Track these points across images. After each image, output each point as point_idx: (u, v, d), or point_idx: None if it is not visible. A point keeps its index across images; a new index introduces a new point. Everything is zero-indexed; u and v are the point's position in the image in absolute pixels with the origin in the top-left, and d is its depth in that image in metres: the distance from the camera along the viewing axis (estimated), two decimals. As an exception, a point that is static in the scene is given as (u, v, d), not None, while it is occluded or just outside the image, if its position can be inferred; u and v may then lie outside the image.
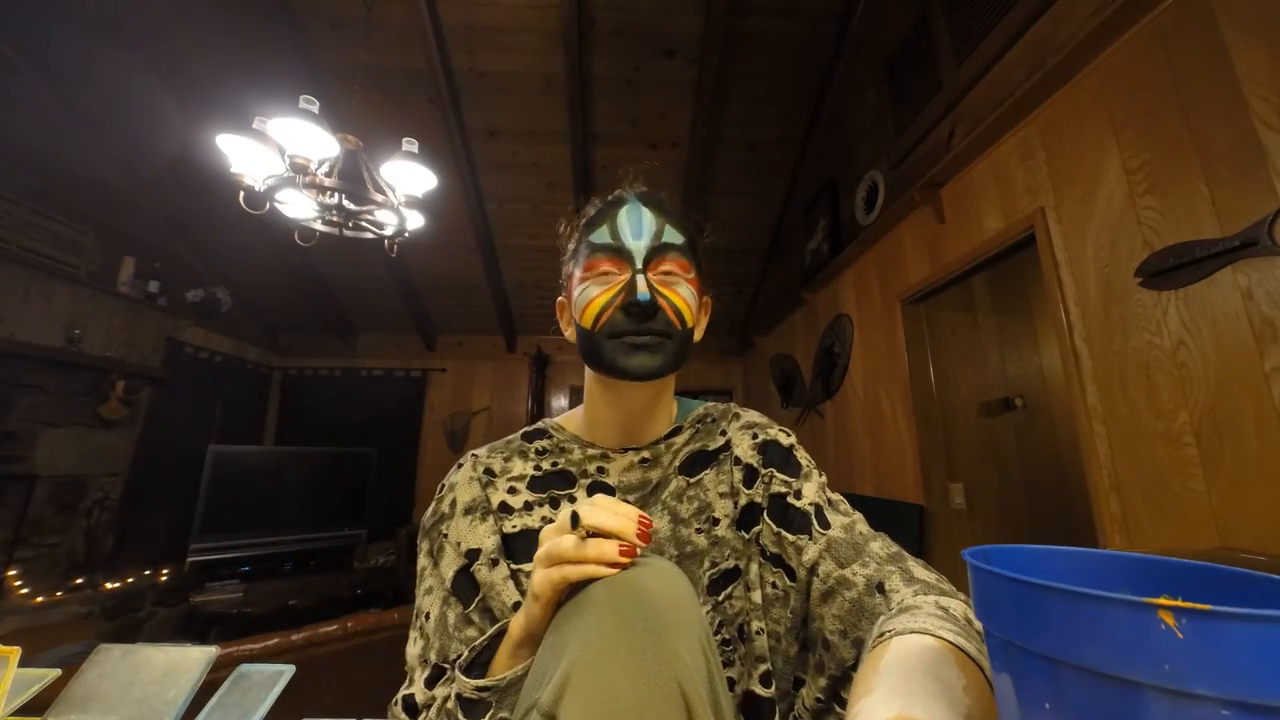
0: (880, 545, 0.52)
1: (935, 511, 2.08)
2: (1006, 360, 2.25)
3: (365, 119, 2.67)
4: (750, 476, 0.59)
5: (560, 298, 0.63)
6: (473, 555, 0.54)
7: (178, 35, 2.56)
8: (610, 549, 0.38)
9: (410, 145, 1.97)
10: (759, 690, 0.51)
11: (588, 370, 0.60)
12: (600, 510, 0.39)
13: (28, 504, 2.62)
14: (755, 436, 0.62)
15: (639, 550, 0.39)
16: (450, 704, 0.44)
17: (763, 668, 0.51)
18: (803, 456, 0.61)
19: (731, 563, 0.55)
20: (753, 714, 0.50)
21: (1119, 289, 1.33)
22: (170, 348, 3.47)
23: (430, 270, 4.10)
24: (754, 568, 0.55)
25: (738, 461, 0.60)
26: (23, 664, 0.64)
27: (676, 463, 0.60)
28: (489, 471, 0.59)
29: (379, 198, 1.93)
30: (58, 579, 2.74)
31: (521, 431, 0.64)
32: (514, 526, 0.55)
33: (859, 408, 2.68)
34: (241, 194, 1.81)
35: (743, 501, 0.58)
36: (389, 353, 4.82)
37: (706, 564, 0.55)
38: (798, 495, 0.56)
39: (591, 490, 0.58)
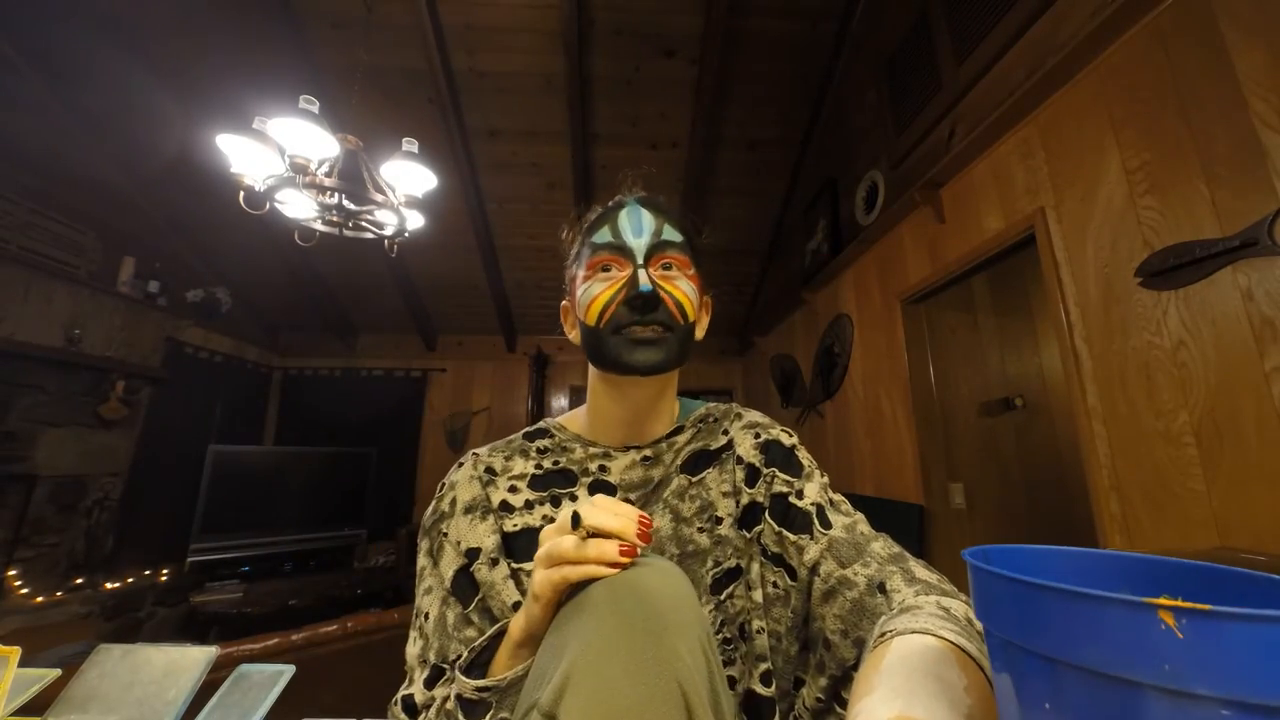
0: (881, 545, 0.52)
1: (935, 511, 2.08)
2: (1006, 360, 2.25)
3: (365, 119, 2.67)
4: (752, 476, 0.59)
5: (564, 302, 0.64)
6: (473, 554, 0.54)
7: (178, 35, 2.56)
8: (610, 549, 0.38)
9: (410, 145, 1.97)
10: (759, 689, 0.51)
11: (591, 369, 0.60)
12: (600, 510, 0.39)
13: (28, 504, 2.62)
14: (758, 436, 0.62)
15: (639, 550, 0.39)
16: (450, 704, 0.44)
17: (763, 667, 0.51)
18: (805, 457, 0.61)
19: (733, 562, 0.55)
20: (753, 713, 0.50)
21: (1119, 289, 1.33)
22: (170, 348, 3.47)
23: (430, 270, 4.10)
24: (755, 567, 0.55)
25: (740, 461, 0.60)
26: (23, 664, 0.64)
27: (678, 461, 0.60)
28: (490, 470, 0.59)
29: (379, 198, 1.93)
30: (58, 579, 2.74)
31: (523, 431, 0.64)
32: (515, 525, 0.55)
33: (859, 408, 2.68)
34: (241, 194, 1.81)
35: (744, 501, 0.58)
36: (389, 353, 4.82)
37: (709, 563, 0.55)
38: (799, 495, 0.57)
39: (593, 489, 0.58)
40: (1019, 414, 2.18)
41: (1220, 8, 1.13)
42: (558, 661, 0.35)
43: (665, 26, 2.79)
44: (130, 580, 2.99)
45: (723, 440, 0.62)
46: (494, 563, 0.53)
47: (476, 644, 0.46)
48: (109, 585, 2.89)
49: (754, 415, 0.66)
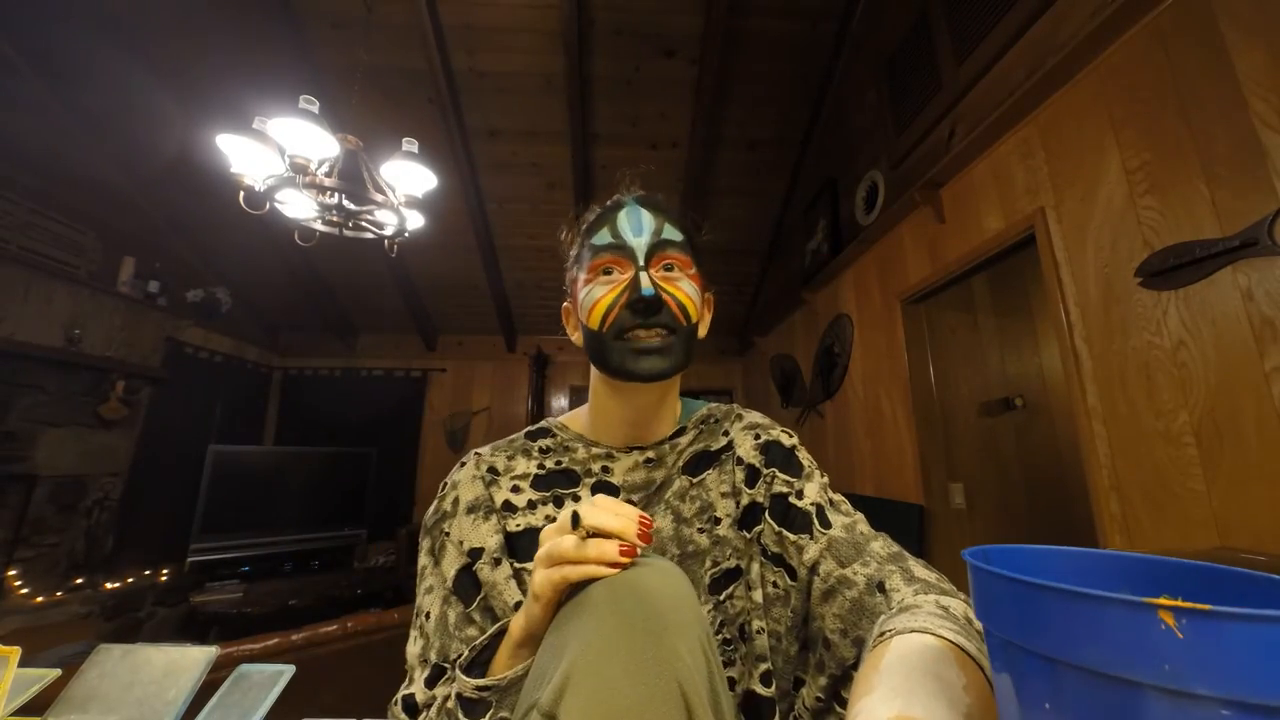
0: (881, 545, 0.52)
1: (935, 511, 2.08)
2: (1006, 360, 2.25)
3: (365, 119, 2.67)
4: (752, 476, 0.59)
5: (565, 303, 0.64)
6: (475, 554, 0.54)
7: (178, 35, 2.56)
8: (611, 549, 0.38)
9: (410, 145, 1.97)
10: (759, 689, 0.51)
11: (594, 370, 0.60)
12: (601, 510, 0.39)
13: (28, 504, 2.62)
14: (758, 437, 0.62)
15: (639, 550, 0.39)
16: (450, 703, 0.44)
17: (763, 667, 0.51)
18: (805, 457, 0.61)
19: (733, 562, 0.55)
20: (753, 713, 0.50)
21: (1119, 289, 1.33)
22: (170, 348, 3.47)
23: (430, 270, 4.10)
24: (755, 567, 0.55)
25: (740, 461, 0.60)
26: (23, 664, 0.64)
27: (680, 463, 0.60)
28: (492, 470, 0.59)
29: (379, 198, 1.93)
30: (58, 579, 2.74)
31: (525, 431, 0.64)
32: (517, 525, 0.55)
33: (859, 408, 2.68)
34: (241, 194, 1.81)
35: (744, 501, 0.58)
36: (389, 353, 4.82)
37: (708, 563, 0.55)
38: (799, 495, 0.57)
39: (596, 489, 0.58)
40: (1019, 414, 2.18)
41: (1220, 8, 1.13)
42: (558, 661, 0.35)
43: (665, 26, 2.79)
44: (130, 580, 2.99)
45: (723, 441, 0.62)
46: (496, 562, 0.53)
47: (477, 643, 0.46)
48: (109, 585, 2.89)
49: (754, 416, 0.66)
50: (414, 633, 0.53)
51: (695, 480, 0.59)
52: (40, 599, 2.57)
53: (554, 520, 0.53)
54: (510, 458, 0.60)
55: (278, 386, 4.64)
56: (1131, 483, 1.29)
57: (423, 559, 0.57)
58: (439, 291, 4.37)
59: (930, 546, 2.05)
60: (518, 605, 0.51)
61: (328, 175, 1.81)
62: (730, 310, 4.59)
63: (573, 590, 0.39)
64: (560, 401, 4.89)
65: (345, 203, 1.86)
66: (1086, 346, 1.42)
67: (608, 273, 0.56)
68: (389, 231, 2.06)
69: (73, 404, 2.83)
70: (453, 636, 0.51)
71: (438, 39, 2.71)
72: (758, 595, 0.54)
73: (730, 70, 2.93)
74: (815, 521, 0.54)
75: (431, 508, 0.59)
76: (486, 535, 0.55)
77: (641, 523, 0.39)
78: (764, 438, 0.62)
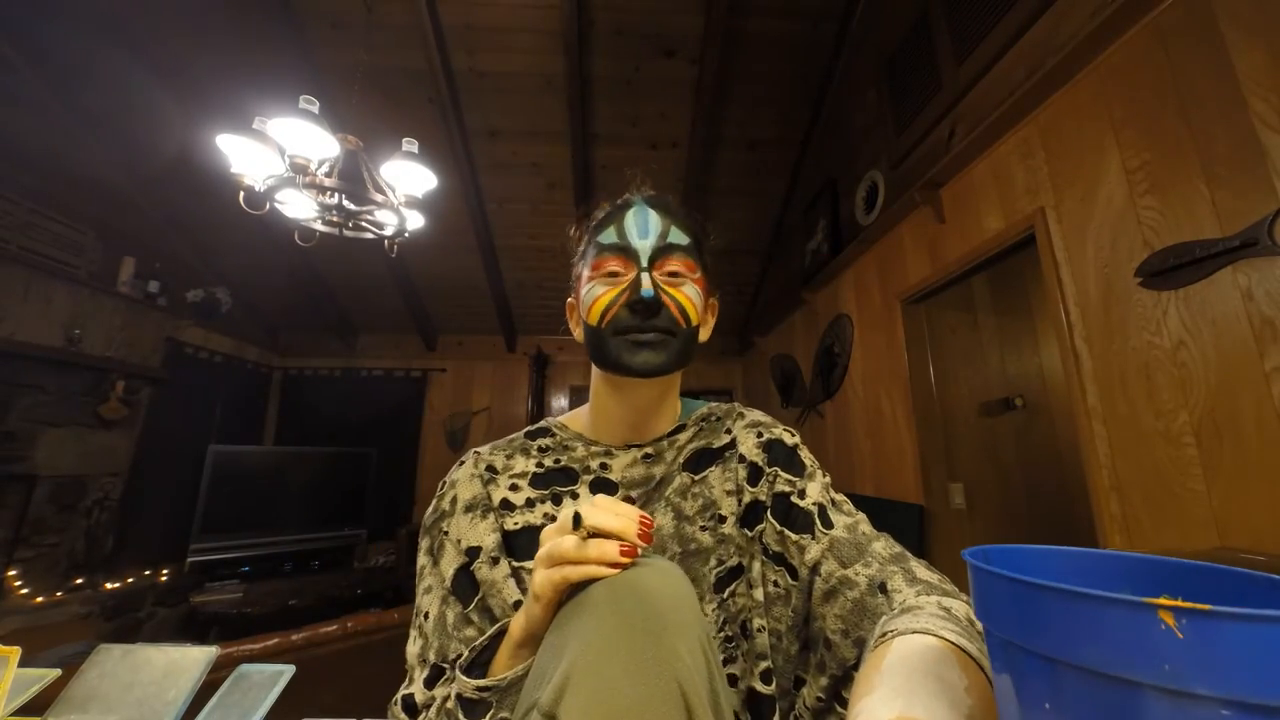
0: (883, 545, 0.52)
1: (935, 511, 2.08)
2: (1006, 360, 2.25)
3: (365, 119, 2.67)
4: (755, 474, 0.59)
5: (569, 299, 0.64)
6: (473, 553, 0.54)
7: (178, 35, 2.56)
8: (611, 549, 0.38)
9: (410, 145, 1.97)
10: (760, 687, 0.51)
11: (594, 368, 0.60)
12: (601, 510, 0.39)
13: (28, 504, 2.62)
14: (760, 435, 0.62)
15: (640, 550, 0.39)
16: (450, 704, 0.44)
17: (763, 665, 0.52)
18: (807, 457, 0.62)
19: (735, 560, 0.55)
20: (754, 710, 0.50)
21: (1119, 289, 1.33)
22: (170, 348, 3.47)
23: (430, 270, 4.10)
24: (756, 565, 0.55)
25: (742, 459, 0.60)
26: (23, 664, 0.64)
27: (680, 459, 0.60)
28: (491, 469, 0.59)
29: (379, 198, 1.93)
30: (58, 579, 2.74)
31: (524, 430, 0.65)
32: (515, 524, 0.55)
33: (859, 408, 2.68)
34: (241, 194, 1.81)
35: (747, 499, 0.58)
36: (389, 353, 4.82)
37: (712, 561, 0.55)
38: (801, 495, 0.57)
39: (594, 487, 0.58)
40: (1019, 414, 2.18)
41: (1220, 8, 1.13)
42: (558, 661, 0.35)
43: (665, 26, 2.79)
44: (130, 580, 2.99)
45: (725, 439, 0.62)
46: (494, 561, 0.54)
47: (477, 644, 0.46)
48: (109, 585, 2.89)
49: (757, 415, 0.66)
50: (413, 632, 0.53)
51: (697, 477, 0.59)
52: (40, 599, 2.57)
53: (553, 519, 0.53)
54: (509, 456, 0.60)
55: (278, 386, 4.64)
56: (1131, 483, 1.29)
57: (421, 558, 0.57)
58: (439, 291, 4.37)
59: (930, 547, 2.05)
60: (517, 604, 0.51)
61: (328, 175, 1.81)
62: (730, 310, 4.59)
63: (573, 590, 0.39)
64: (560, 401, 4.89)
65: (345, 203, 1.86)
66: (1086, 346, 1.42)
67: (611, 272, 0.56)
68: (389, 231, 2.06)
69: (73, 404, 2.83)
70: (451, 636, 0.51)
71: (438, 39, 2.71)
72: (758, 593, 0.54)
73: (730, 70, 2.93)
74: (817, 521, 0.54)
75: (430, 507, 0.59)
76: (484, 534, 0.55)
77: (642, 522, 0.39)
78: (767, 436, 0.62)
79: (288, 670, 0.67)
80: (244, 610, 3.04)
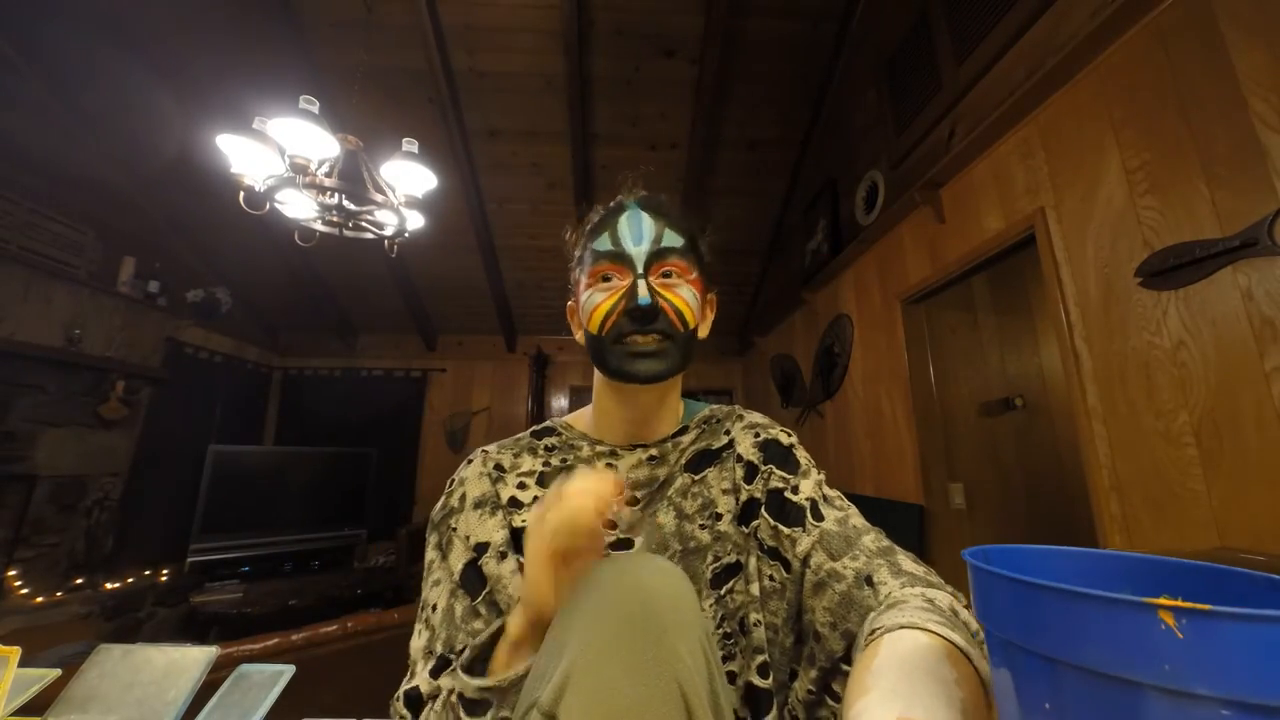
0: (871, 539, 0.53)
1: (935, 511, 2.08)
2: (1006, 360, 2.25)
3: (365, 119, 2.67)
4: (751, 473, 0.60)
5: (569, 302, 0.65)
6: (481, 548, 0.55)
7: (178, 35, 2.56)
8: (590, 500, 0.40)
9: (410, 145, 1.97)
10: (757, 681, 0.51)
11: (596, 371, 0.61)
12: (578, 477, 0.42)
13: (28, 504, 2.62)
14: (757, 436, 0.63)
15: (614, 510, 0.41)
16: (454, 699, 0.44)
17: (760, 659, 0.52)
18: (802, 455, 0.63)
19: (733, 557, 0.56)
20: (753, 705, 0.51)
21: (1119, 289, 1.33)
22: (170, 348, 3.47)
23: (430, 270, 4.10)
24: (753, 561, 0.56)
25: (740, 459, 0.61)
26: (23, 664, 0.64)
27: (683, 461, 0.61)
28: (499, 467, 0.60)
29: (379, 198, 1.93)
30: (58, 579, 2.74)
31: (530, 430, 0.66)
32: (523, 521, 0.56)
33: (859, 408, 2.68)
34: (241, 194, 1.81)
35: (743, 497, 0.59)
36: (389, 353, 4.82)
37: (710, 559, 0.56)
38: (795, 490, 0.58)
39: None
40: (1019, 414, 2.18)
41: (1220, 8, 1.13)
42: (558, 660, 0.35)
43: (665, 26, 2.79)
44: (130, 580, 2.99)
45: (724, 440, 0.63)
46: (502, 556, 0.54)
47: (476, 641, 0.47)
48: (109, 585, 2.89)
49: (755, 416, 0.67)
50: (419, 626, 0.54)
51: (697, 478, 0.60)
52: (40, 599, 2.57)
53: None
54: (516, 455, 0.62)
55: (278, 386, 4.64)
56: (1131, 483, 1.29)
57: (430, 553, 0.58)
58: (439, 291, 4.37)
59: (930, 546, 2.05)
60: None
61: (328, 175, 1.81)
62: (730, 310, 4.59)
63: (574, 591, 0.39)
64: (560, 402, 4.89)
65: (345, 203, 1.86)
66: (1086, 346, 1.42)
67: (607, 279, 0.57)
68: (389, 231, 2.06)
69: (73, 404, 2.83)
70: (459, 628, 0.52)
71: (438, 39, 2.71)
72: (755, 589, 0.55)
73: (730, 70, 2.93)
74: (808, 515, 0.55)
75: (439, 504, 0.60)
76: (493, 530, 0.56)
77: (616, 484, 0.41)
78: (763, 436, 0.63)
79: (288, 670, 0.67)
80: (244, 610, 3.04)
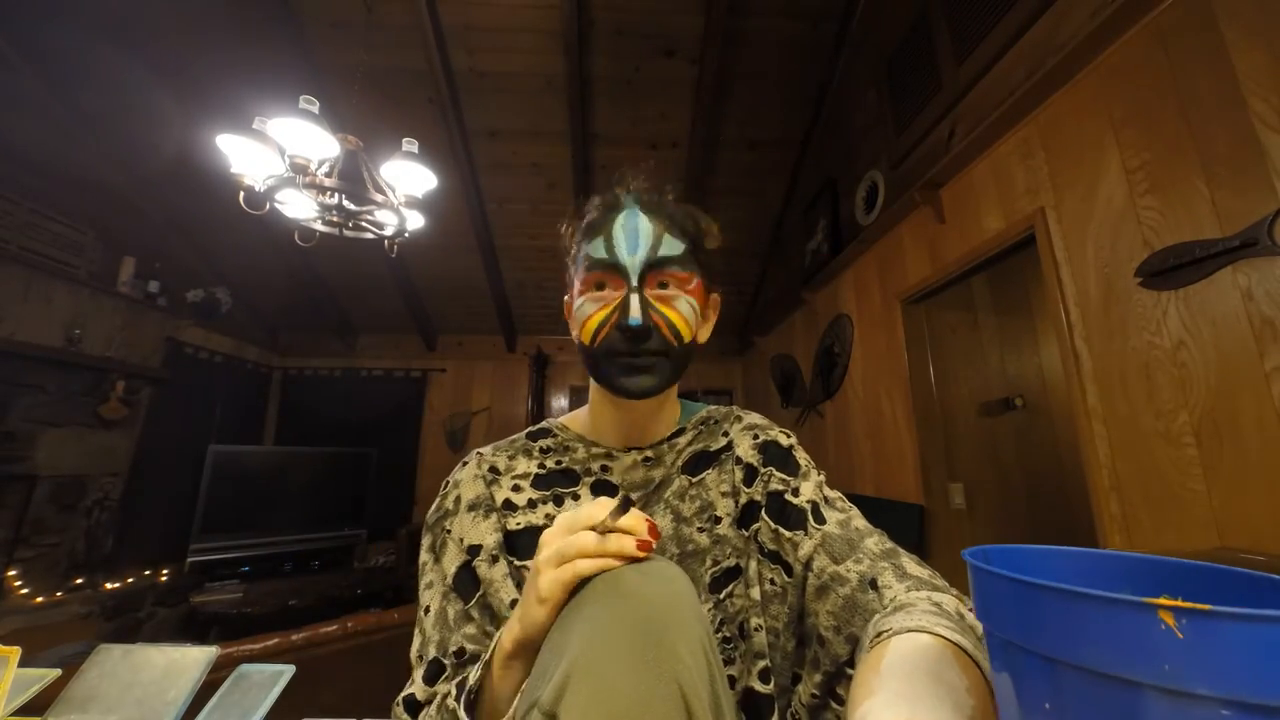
0: (875, 541, 0.53)
1: (935, 511, 2.08)
2: (1006, 360, 2.25)
3: (365, 119, 2.67)
4: (750, 475, 0.59)
5: (566, 298, 0.63)
6: (474, 551, 0.54)
7: (177, 35, 2.56)
8: (629, 543, 0.38)
9: (410, 145, 1.97)
10: (758, 687, 0.51)
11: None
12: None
13: (28, 504, 2.62)
14: (756, 437, 0.62)
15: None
16: (451, 702, 0.44)
17: (761, 664, 0.52)
18: (802, 457, 0.62)
19: (732, 561, 0.56)
20: (752, 711, 0.50)
21: (1119, 289, 1.33)
22: (170, 348, 3.47)
23: (430, 270, 4.10)
24: (753, 565, 0.55)
25: (739, 461, 0.61)
26: (23, 664, 0.64)
27: (679, 462, 0.60)
28: (494, 469, 0.59)
29: (379, 198, 1.93)
30: (58, 579, 2.74)
31: (526, 431, 0.65)
32: (518, 524, 0.56)
33: (859, 408, 2.68)
34: (241, 194, 1.81)
35: (743, 500, 0.58)
36: (389, 353, 4.82)
37: (708, 562, 0.55)
38: (795, 493, 0.57)
39: (595, 488, 0.58)
40: (1019, 414, 2.18)
41: (1220, 7, 1.13)
42: (558, 660, 0.35)
43: (665, 26, 2.79)
44: (130, 580, 2.99)
45: (723, 442, 0.63)
46: (494, 560, 0.54)
47: (469, 682, 0.44)
48: (109, 585, 2.89)
49: (754, 417, 0.66)
50: (417, 630, 0.54)
51: (695, 480, 0.59)
52: (40, 599, 2.57)
53: (553, 519, 0.53)
54: (511, 457, 0.61)
55: (278, 386, 4.64)
56: (1131, 483, 1.29)
57: (424, 555, 0.57)
58: (439, 291, 4.37)
59: (930, 546, 2.04)
60: (514, 604, 0.51)
61: (328, 175, 1.81)
62: (730, 310, 4.59)
63: (575, 591, 0.39)
64: (560, 401, 4.89)
65: (345, 203, 1.86)
66: (1086, 346, 1.42)
67: (600, 287, 0.54)
68: (389, 231, 2.06)
69: (73, 404, 2.83)
70: (452, 630, 0.51)
71: (438, 39, 2.71)
72: (755, 592, 0.54)
73: (730, 70, 2.93)
74: (810, 518, 0.55)
75: (434, 505, 0.59)
76: (486, 533, 0.55)
77: (649, 522, 0.40)
78: (762, 438, 0.62)
79: (288, 670, 0.67)
80: (244, 610, 3.04)
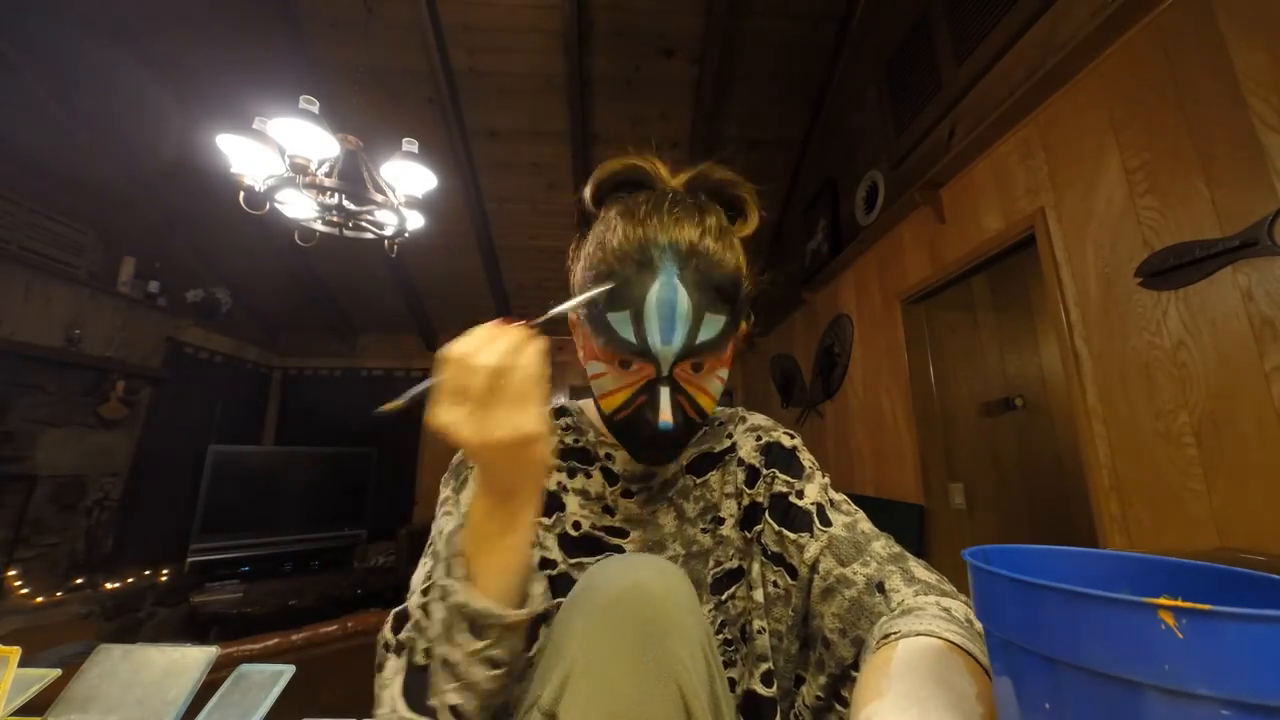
0: (882, 545, 0.52)
1: (935, 511, 2.07)
2: (1006, 360, 2.25)
3: (365, 119, 2.67)
4: (753, 477, 0.59)
5: (580, 350, 0.57)
6: None
7: (178, 35, 2.56)
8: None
9: (410, 145, 1.97)
10: (760, 690, 0.51)
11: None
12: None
13: (28, 504, 2.62)
14: (759, 439, 0.62)
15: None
16: (441, 579, 0.42)
17: (764, 667, 0.51)
18: (806, 458, 0.62)
19: (735, 562, 0.55)
20: (753, 714, 0.50)
21: (1119, 289, 1.33)
22: (170, 348, 3.47)
23: (430, 270, 4.10)
24: (756, 567, 0.55)
25: (741, 463, 0.61)
26: (23, 664, 0.64)
27: (684, 462, 0.61)
28: None
29: (379, 198, 1.93)
30: (58, 579, 2.74)
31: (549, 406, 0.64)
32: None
33: (859, 408, 2.68)
34: (241, 194, 1.81)
35: (746, 502, 0.58)
36: (389, 353, 4.82)
37: (711, 563, 0.55)
38: (799, 495, 0.57)
39: (603, 474, 0.59)
40: (1019, 414, 2.18)
41: (1220, 7, 1.13)
42: (558, 660, 0.35)
43: (665, 26, 2.79)
44: (130, 580, 2.99)
45: (726, 443, 0.63)
46: None
47: (455, 540, 0.43)
48: (109, 585, 2.89)
49: (758, 419, 0.66)
50: (423, 559, 0.51)
51: (699, 480, 0.60)
52: (40, 599, 2.57)
53: (565, 487, 0.56)
54: None
55: (278, 386, 4.64)
56: (1131, 483, 1.29)
57: (444, 492, 0.56)
58: (439, 292, 4.36)
59: (930, 546, 2.04)
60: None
61: (328, 175, 1.81)
62: (730, 310, 4.58)
63: (574, 591, 0.39)
64: (560, 401, 4.88)
65: (345, 203, 1.86)
66: (1086, 346, 1.42)
67: (625, 365, 0.50)
68: (389, 231, 2.06)
69: (73, 404, 2.83)
70: None
71: (438, 39, 2.71)
72: (758, 595, 0.54)
73: (730, 70, 2.93)
74: (816, 520, 0.55)
75: (458, 454, 0.56)
76: None
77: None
78: (765, 439, 0.62)
79: (288, 670, 0.67)
80: (244, 610, 3.04)
